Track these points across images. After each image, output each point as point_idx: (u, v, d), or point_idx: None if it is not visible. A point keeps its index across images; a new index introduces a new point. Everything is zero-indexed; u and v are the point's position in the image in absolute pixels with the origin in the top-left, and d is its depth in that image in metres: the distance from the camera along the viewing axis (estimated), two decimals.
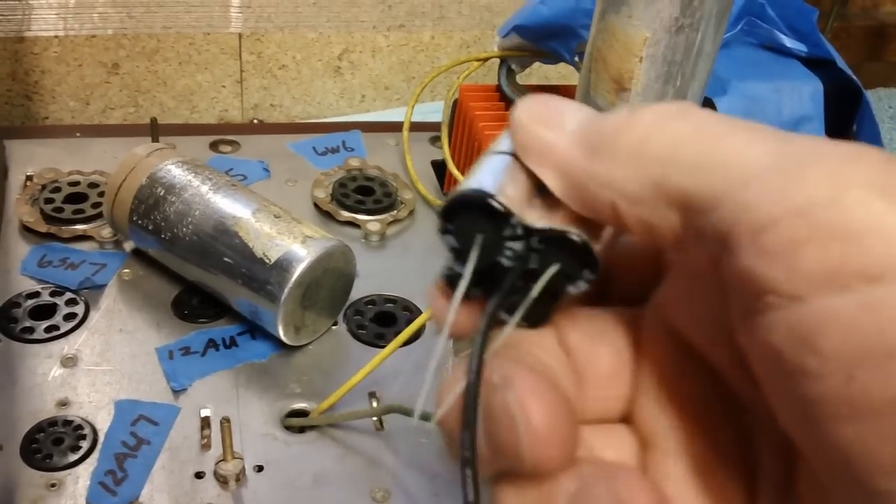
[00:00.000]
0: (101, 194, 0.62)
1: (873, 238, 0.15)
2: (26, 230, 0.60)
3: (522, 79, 0.67)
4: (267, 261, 0.51)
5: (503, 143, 0.21)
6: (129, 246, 0.59)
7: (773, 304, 0.16)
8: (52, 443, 0.46)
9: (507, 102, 0.65)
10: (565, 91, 0.66)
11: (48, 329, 0.53)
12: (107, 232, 0.59)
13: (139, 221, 0.55)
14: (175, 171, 0.56)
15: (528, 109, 0.21)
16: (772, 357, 0.16)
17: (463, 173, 0.64)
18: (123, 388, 0.50)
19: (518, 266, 0.20)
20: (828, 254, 0.15)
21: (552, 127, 0.20)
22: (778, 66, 0.59)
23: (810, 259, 0.16)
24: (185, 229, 0.53)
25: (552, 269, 0.20)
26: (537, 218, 0.20)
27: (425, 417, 0.21)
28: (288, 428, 0.49)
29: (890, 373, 0.15)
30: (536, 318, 0.21)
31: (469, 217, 0.20)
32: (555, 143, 0.20)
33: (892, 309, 0.15)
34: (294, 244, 0.51)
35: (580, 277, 0.20)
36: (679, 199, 0.18)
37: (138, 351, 0.52)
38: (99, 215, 0.61)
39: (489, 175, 0.20)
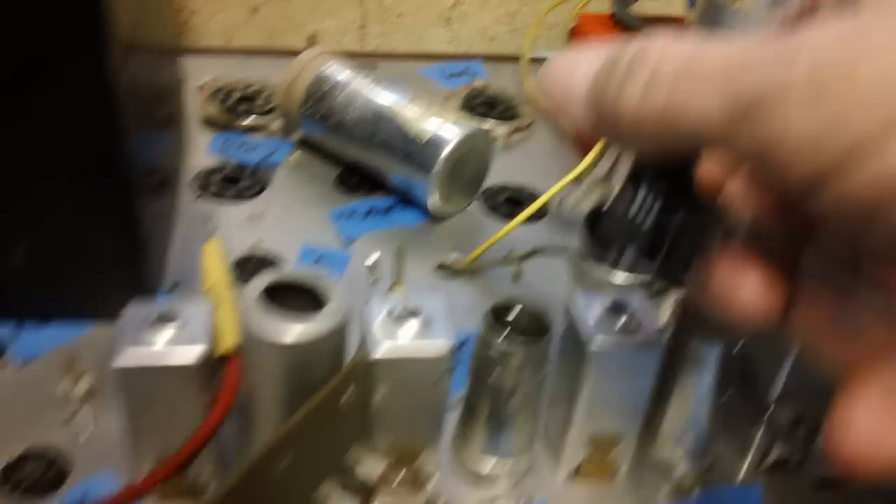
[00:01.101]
0: (268, 98, 0.72)
1: None
2: (207, 122, 0.70)
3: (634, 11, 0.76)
4: (422, 138, 0.60)
5: None
6: (295, 136, 0.69)
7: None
8: (253, 271, 0.56)
9: (623, 28, 0.73)
10: (674, 22, 0.75)
11: (236, 193, 0.63)
12: (276, 125, 0.70)
13: (309, 111, 0.65)
14: (338, 70, 0.66)
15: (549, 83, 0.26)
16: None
17: None
18: (303, 238, 0.60)
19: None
20: None
21: (569, 101, 0.25)
22: None
23: None
24: (349, 116, 0.63)
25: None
26: None
27: None
28: (442, 273, 0.59)
29: None
30: None
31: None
32: (575, 114, 0.25)
33: None
34: (445, 125, 0.61)
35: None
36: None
37: (312, 213, 0.62)
38: (267, 112, 0.71)
39: None
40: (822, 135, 0.19)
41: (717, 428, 0.47)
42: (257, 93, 0.74)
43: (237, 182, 0.64)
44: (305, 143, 0.69)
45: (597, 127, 0.25)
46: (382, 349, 0.39)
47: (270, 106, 0.71)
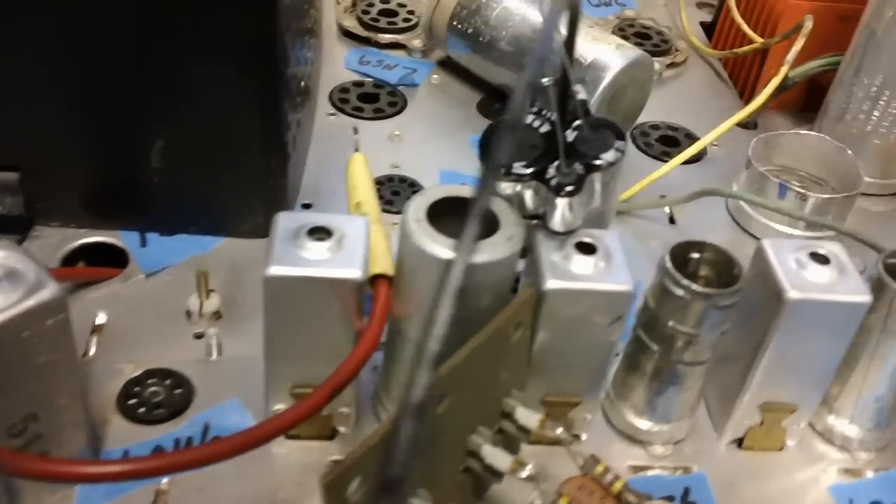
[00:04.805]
0: (410, 12, 0.68)
1: None
2: (345, 35, 0.67)
3: None
4: (583, 61, 0.55)
5: None
6: (436, 56, 0.65)
7: None
8: (391, 193, 0.52)
9: None
10: None
11: (375, 111, 0.59)
12: (417, 42, 0.65)
13: (459, 25, 0.60)
14: None
15: None
16: None
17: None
18: (443, 162, 0.56)
19: None
20: None
21: None
22: None
23: None
24: (503, 32, 0.59)
25: None
26: None
27: None
28: None
29: None
30: None
31: None
32: None
33: None
34: (608, 48, 0.56)
35: None
36: None
37: (454, 138, 0.58)
38: (410, 28, 0.67)
39: None
40: None
41: None
42: (400, 6, 0.69)
43: (376, 100, 0.61)
44: (446, 64, 0.65)
45: None
46: (556, 281, 0.35)
47: (413, 22, 0.67)
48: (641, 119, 0.61)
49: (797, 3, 0.62)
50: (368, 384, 0.41)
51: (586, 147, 0.35)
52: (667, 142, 0.61)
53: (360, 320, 0.36)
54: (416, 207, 0.35)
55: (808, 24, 0.57)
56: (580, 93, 0.37)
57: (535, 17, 0.58)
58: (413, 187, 0.53)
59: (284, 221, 0.35)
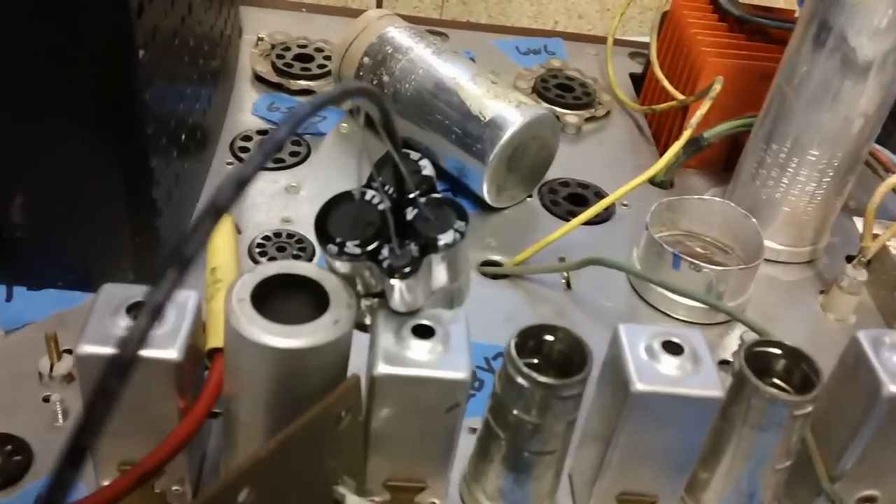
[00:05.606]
0: (326, 58, 0.67)
1: None
2: (258, 80, 0.65)
3: None
4: (482, 118, 0.54)
5: None
6: (348, 104, 0.64)
7: None
8: (277, 249, 0.51)
9: (722, 14, 0.66)
10: (779, 13, 0.67)
11: (275, 161, 0.58)
12: (329, 89, 0.64)
13: (365, 76, 0.59)
14: (403, 34, 0.60)
15: None
16: None
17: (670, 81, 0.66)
18: None
19: None
20: None
21: None
22: None
23: None
24: (407, 85, 0.57)
25: None
26: None
27: None
28: (483, 274, 0.53)
29: None
30: None
31: None
32: None
33: None
34: (509, 106, 0.54)
35: None
36: None
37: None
38: (323, 75, 0.66)
39: None
40: None
41: (774, 495, 0.40)
42: (317, 51, 0.68)
43: (278, 150, 0.59)
44: (357, 113, 0.64)
45: None
46: (387, 366, 0.33)
47: (327, 68, 0.66)
48: (552, 175, 0.60)
49: (717, 60, 0.61)
50: (216, 456, 0.39)
51: (425, 227, 0.34)
52: (575, 200, 0.60)
53: (186, 397, 0.34)
54: (242, 286, 0.33)
55: (717, 87, 0.56)
56: (425, 168, 0.35)
57: (439, 70, 0.57)
58: (300, 244, 0.52)
59: (107, 294, 0.34)
